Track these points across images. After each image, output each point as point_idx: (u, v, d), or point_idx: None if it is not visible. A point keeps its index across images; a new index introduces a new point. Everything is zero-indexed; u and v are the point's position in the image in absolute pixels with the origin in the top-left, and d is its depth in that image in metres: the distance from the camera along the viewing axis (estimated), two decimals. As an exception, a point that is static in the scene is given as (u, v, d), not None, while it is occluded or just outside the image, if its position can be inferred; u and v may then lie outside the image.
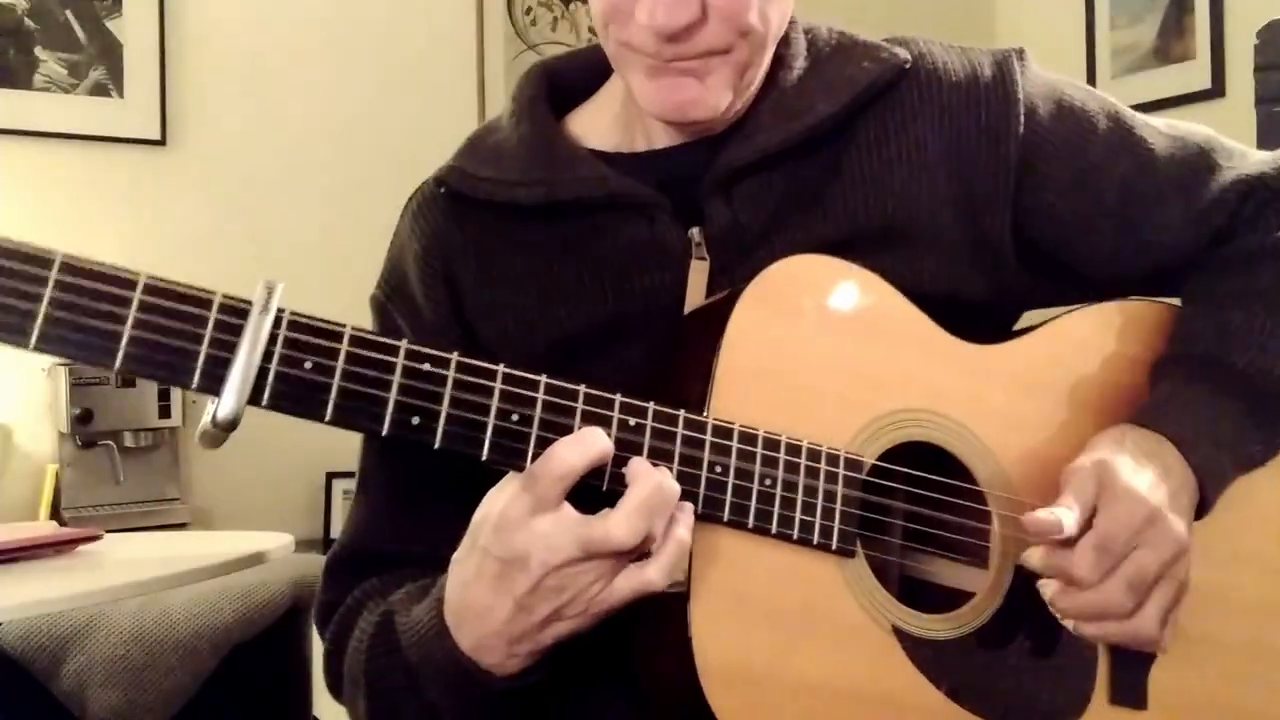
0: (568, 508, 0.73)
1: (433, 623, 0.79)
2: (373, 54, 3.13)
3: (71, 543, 1.81)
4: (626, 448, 0.76)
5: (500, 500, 0.74)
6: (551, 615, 0.75)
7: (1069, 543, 0.80)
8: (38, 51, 2.79)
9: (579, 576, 0.73)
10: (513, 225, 0.93)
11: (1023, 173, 0.92)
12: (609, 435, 0.75)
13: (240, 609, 2.00)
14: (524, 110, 0.95)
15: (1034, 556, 0.82)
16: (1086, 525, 0.80)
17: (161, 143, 2.91)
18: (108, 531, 1.96)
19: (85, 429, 2.59)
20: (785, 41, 0.93)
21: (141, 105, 2.88)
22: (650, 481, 0.73)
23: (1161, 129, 0.97)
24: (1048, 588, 0.82)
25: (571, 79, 1.00)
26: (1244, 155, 0.98)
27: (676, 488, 0.74)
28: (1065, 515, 0.79)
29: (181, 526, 2.67)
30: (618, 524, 0.72)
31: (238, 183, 2.98)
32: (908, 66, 0.93)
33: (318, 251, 2.99)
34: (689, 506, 0.76)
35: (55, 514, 2.62)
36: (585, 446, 0.73)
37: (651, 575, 0.74)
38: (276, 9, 3.05)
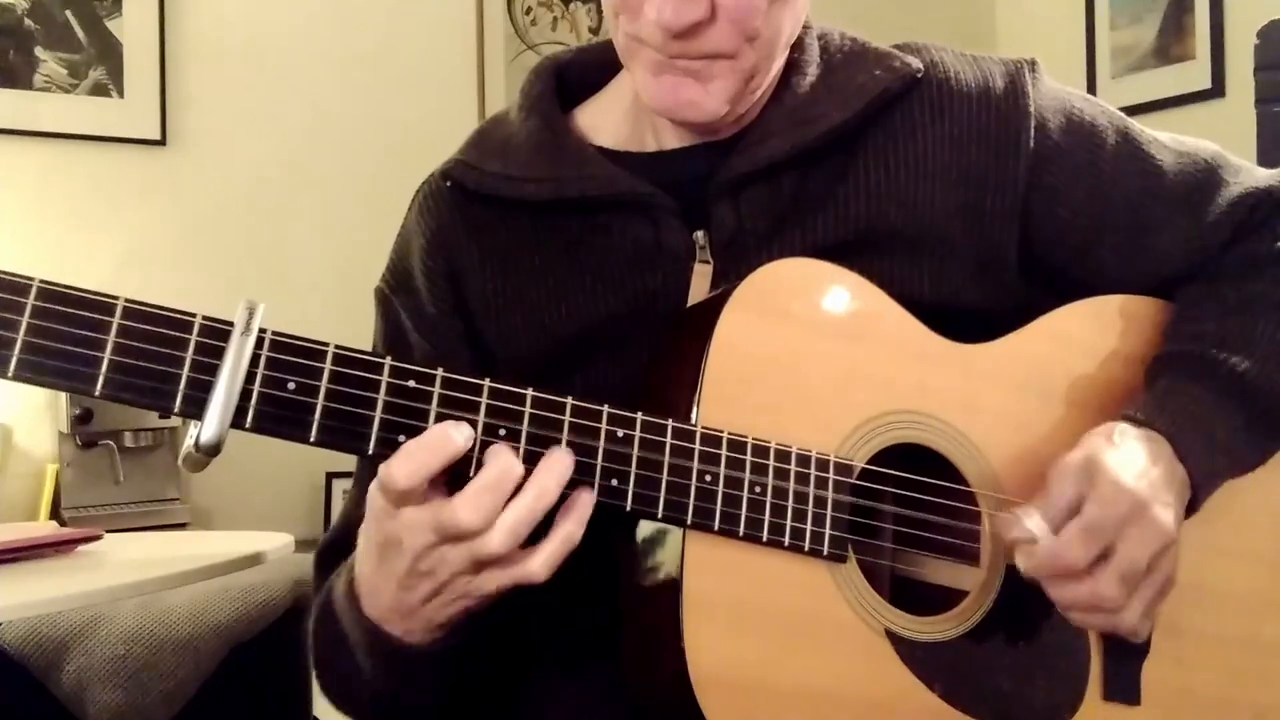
0: (435, 496, 0.73)
1: (348, 591, 0.82)
2: (373, 54, 3.13)
3: (71, 543, 1.81)
4: (614, 459, 0.76)
5: (375, 485, 0.75)
6: (432, 594, 0.76)
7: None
8: (38, 51, 2.79)
9: (444, 564, 0.74)
10: (518, 221, 0.92)
11: (1032, 186, 0.92)
12: (597, 448, 0.75)
13: (240, 609, 2.00)
14: (532, 105, 0.95)
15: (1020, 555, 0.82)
16: (1074, 513, 0.81)
17: (161, 143, 2.91)
18: (108, 531, 1.96)
19: (85, 429, 2.59)
20: (799, 47, 0.94)
21: (141, 105, 2.88)
22: (499, 463, 0.72)
23: (1169, 144, 0.98)
24: (1051, 587, 0.82)
25: (580, 74, 0.99)
26: (1250, 170, 0.98)
27: (520, 468, 0.73)
28: (1035, 524, 0.80)
29: (181, 526, 2.67)
30: (463, 504, 0.71)
31: (238, 183, 2.98)
32: (920, 75, 0.93)
33: (317, 251, 2.99)
34: (586, 500, 0.75)
35: (55, 514, 2.62)
36: (429, 454, 0.71)
37: (534, 567, 0.74)
38: (276, 9, 3.05)
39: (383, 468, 0.71)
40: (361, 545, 0.79)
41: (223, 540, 2.08)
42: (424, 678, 0.84)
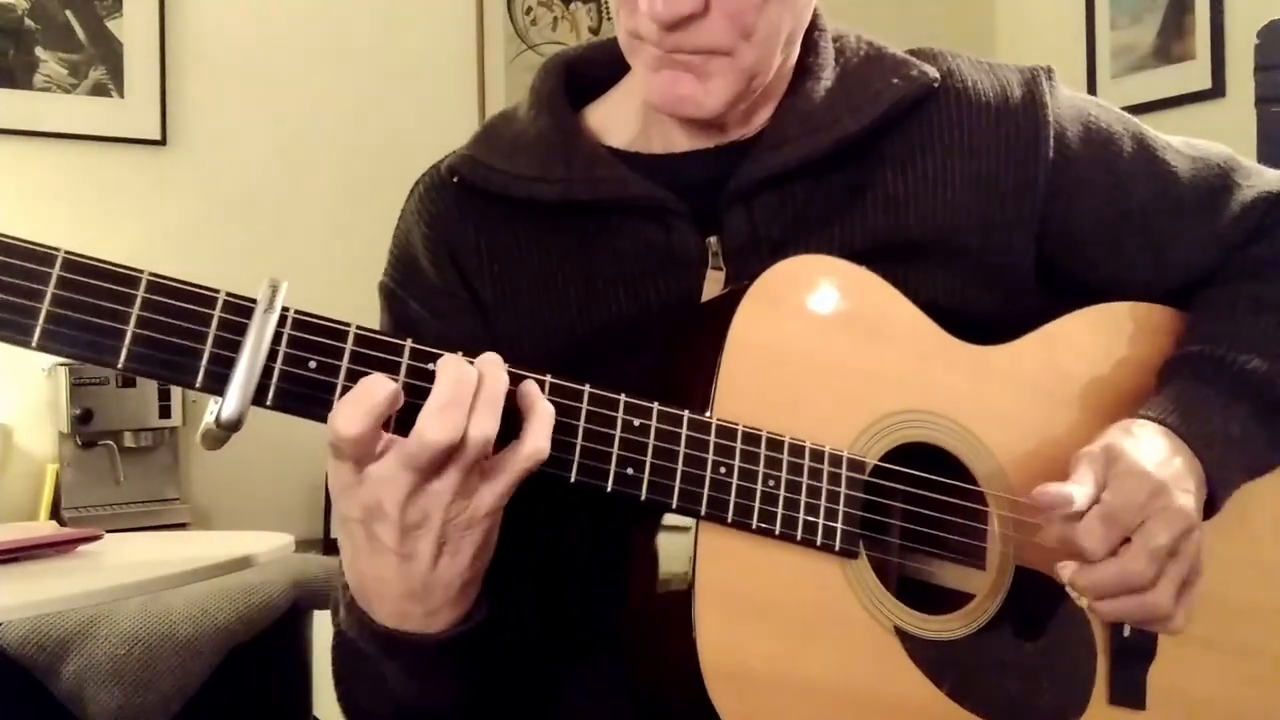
0: (393, 444, 0.69)
1: (351, 606, 0.78)
2: (373, 54, 3.13)
3: (71, 543, 1.80)
4: (630, 447, 0.76)
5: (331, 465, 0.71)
6: (437, 547, 0.71)
7: (1075, 518, 0.80)
8: (38, 51, 2.80)
9: (436, 498, 0.70)
10: (525, 220, 0.91)
11: (1049, 195, 0.92)
12: (613, 436, 0.75)
13: (240, 609, 2.00)
14: (543, 103, 0.94)
15: (1047, 539, 0.82)
16: (1095, 502, 0.81)
17: (161, 143, 2.91)
18: (108, 531, 1.95)
19: (85, 429, 2.59)
20: (814, 51, 0.93)
21: (141, 105, 2.88)
22: (448, 376, 0.69)
23: (1182, 149, 0.98)
24: (1066, 569, 0.81)
25: (591, 71, 0.98)
26: (1261, 173, 0.99)
27: (474, 373, 0.70)
28: (1076, 490, 0.79)
29: (181, 526, 2.67)
30: (427, 426, 0.67)
31: (238, 183, 2.98)
32: (936, 84, 0.92)
33: (318, 251, 2.99)
34: (532, 382, 0.73)
35: (55, 514, 2.62)
36: (361, 404, 0.67)
37: (536, 446, 0.71)
38: (276, 9, 3.05)
39: (330, 427, 0.68)
40: (346, 551, 0.75)
41: (223, 540, 2.07)
42: (448, 671, 0.80)
